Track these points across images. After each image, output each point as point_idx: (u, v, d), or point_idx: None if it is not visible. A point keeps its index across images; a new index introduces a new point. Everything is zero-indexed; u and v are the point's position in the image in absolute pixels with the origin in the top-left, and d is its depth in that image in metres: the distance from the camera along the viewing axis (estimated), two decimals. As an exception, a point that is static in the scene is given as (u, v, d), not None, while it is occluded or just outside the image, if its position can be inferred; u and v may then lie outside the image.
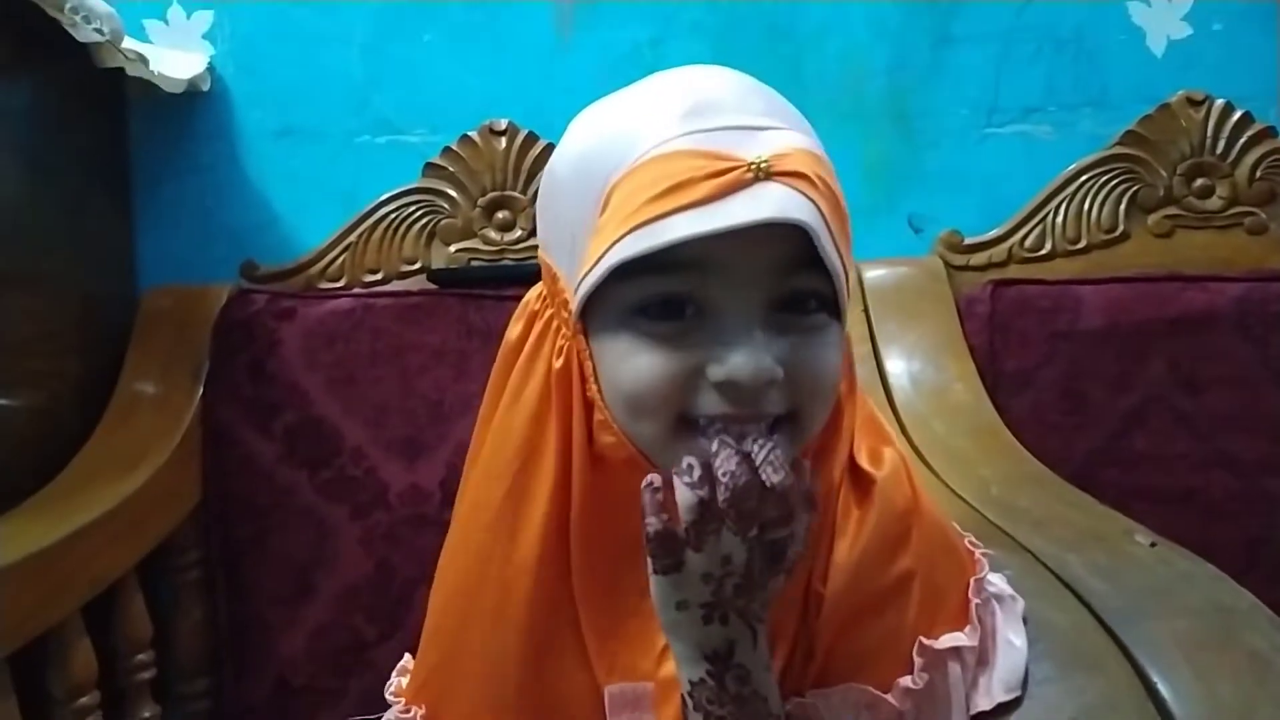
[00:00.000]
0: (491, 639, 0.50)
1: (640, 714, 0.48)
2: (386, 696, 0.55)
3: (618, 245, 0.42)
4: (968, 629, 0.49)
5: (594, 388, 0.46)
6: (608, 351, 0.45)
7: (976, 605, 0.50)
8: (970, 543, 0.54)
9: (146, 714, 0.86)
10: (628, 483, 0.46)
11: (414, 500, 0.93)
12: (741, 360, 0.42)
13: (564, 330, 0.47)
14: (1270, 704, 0.45)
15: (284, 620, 0.92)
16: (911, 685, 0.48)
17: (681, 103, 0.44)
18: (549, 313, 0.48)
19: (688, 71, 0.47)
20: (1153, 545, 0.61)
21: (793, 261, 0.43)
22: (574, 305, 0.45)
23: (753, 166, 0.41)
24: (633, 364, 0.44)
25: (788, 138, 0.43)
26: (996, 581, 0.52)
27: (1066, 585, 0.55)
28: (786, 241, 0.42)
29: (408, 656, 0.56)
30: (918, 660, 0.48)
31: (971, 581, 0.51)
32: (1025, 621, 0.51)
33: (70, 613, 0.75)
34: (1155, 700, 0.46)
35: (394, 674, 0.56)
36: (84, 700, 0.77)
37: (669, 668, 0.47)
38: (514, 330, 0.50)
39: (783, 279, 0.43)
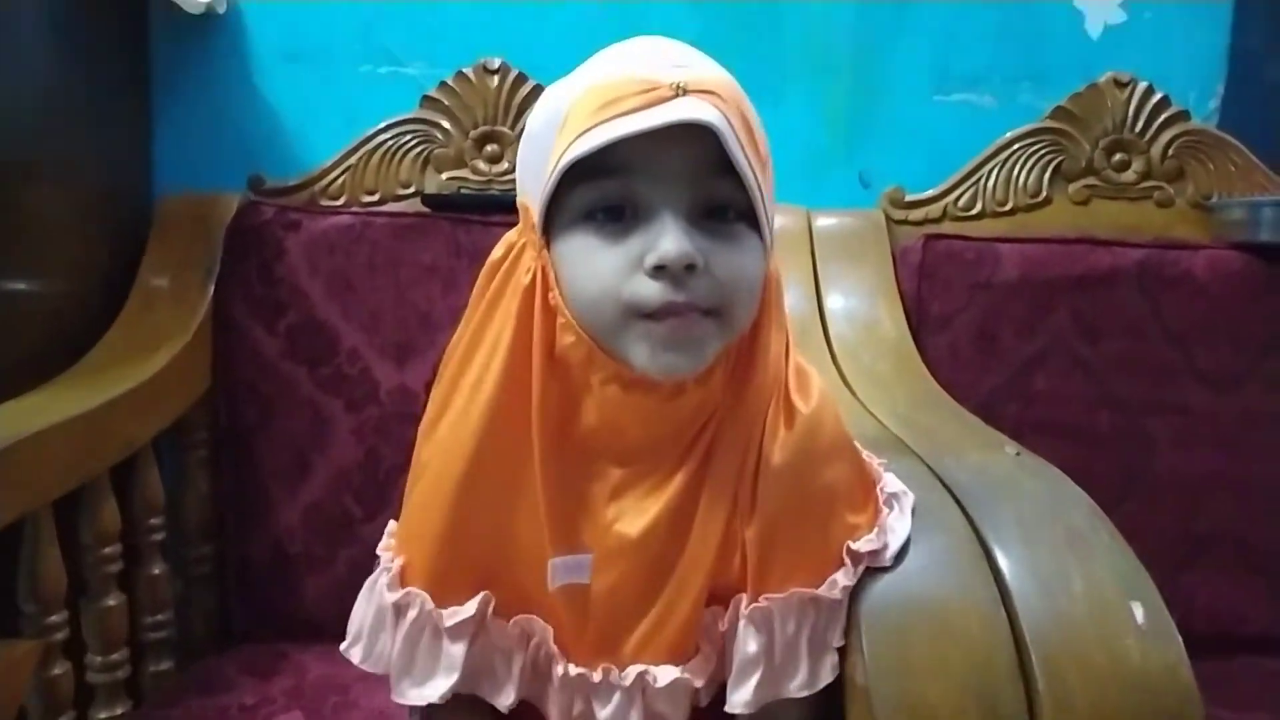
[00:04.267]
0: (458, 505, 0.59)
1: (579, 577, 0.58)
2: (378, 552, 0.64)
3: (566, 152, 0.53)
4: (876, 532, 0.60)
5: (556, 294, 0.56)
6: (566, 255, 0.56)
7: (885, 514, 0.61)
8: (867, 456, 0.65)
9: (157, 570, 0.98)
10: (581, 384, 0.57)
11: (402, 398, 1.05)
12: (667, 244, 0.52)
13: (532, 253, 0.57)
14: (1077, 562, 0.58)
15: (283, 494, 1.03)
16: (848, 582, 0.58)
17: (622, 52, 0.56)
18: (522, 241, 0.59)
19: (636, 39, 0.57)
20: (1017, 454, 0.74)
21: (709, 166, 0.53)
22: (536, 215, 0.56)
23: (673, 86, 0.52)
24: (585, 260, 0.55)
25: (710, 72, 0.54)
26: (892, 482, 0.64)
27: (939, 479, 0.68)
28: (702, 148, 0.52)
29: (393, 523, 0.65)
30: (848, 560, 0.58)
31: (879, 491, 0.62)
32: (914, 512, 0.62)
33: (102, 470, 0.86)
34: (989, 558, 0.59)
35: (385, 535, 0.65)
36: (108, 550, 0.89)
37: (611, 540, 0.58)
38: (495, 254, 0.60)
39: (702, 181, 0.54)
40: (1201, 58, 1.26)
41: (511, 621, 0.60)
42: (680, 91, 0.52)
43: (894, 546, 0.59)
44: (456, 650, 0.58)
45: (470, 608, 0.59)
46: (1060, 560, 0.59)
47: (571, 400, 0.58)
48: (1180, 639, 0.55)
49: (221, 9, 1.15)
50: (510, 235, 0.60)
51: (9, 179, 0.91)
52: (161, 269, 1.07)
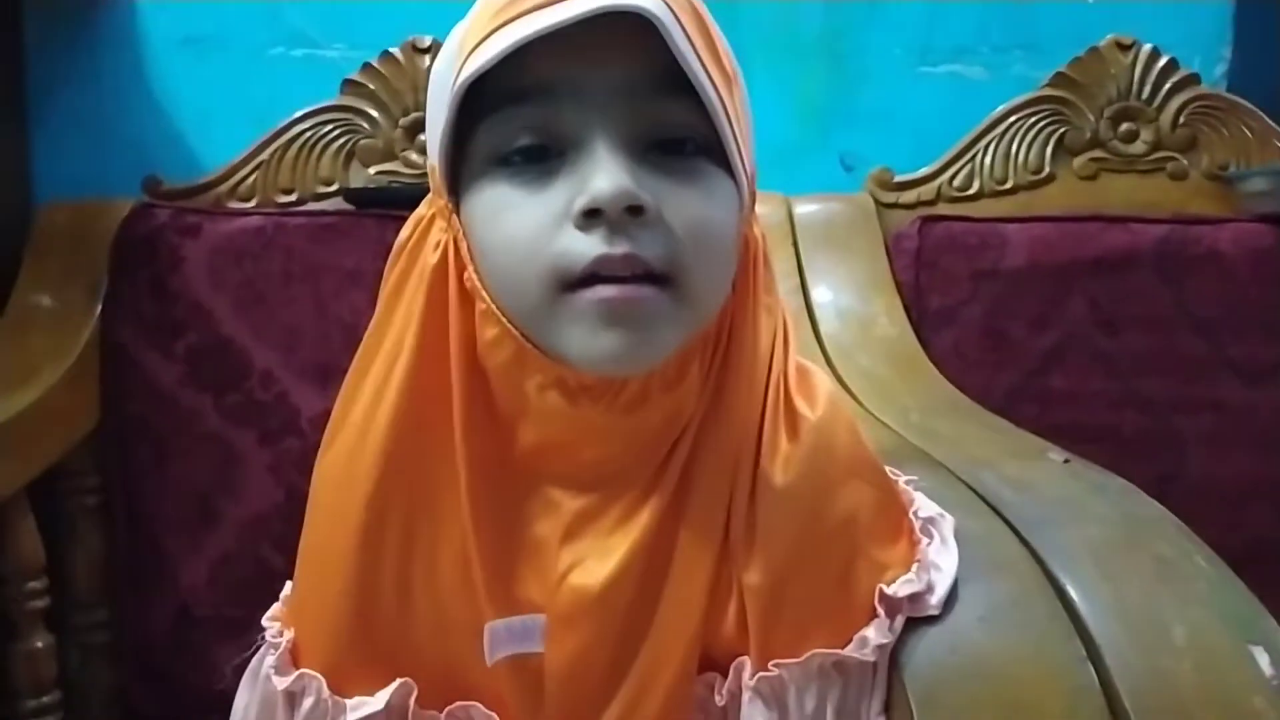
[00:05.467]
0: (360, 559, 0.45)
1: (527, 645, 0.45)
2: (264, 623, 0.50)
3: (462, 70, 0.40)
4: (915, 570, 0.46)
5: (471, 273, 0.43)
6: (478, 217, 0.42)
7: (924, 545, 0.47)
8: (892, 472, 0.51)
9: (39, 643, 0.82)
10: (514, 392, 0.44)
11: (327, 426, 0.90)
12: (600, 180, 0.39)
13: (441, 223, 0.44)
14: (1174, 601, 0.45)
15: (186, 548, 0.88)
16: (883, 639, 0.44)
17: None
18: (431, 212, 0.45)
19: None
20: (1066, 462, 0.61)
21: (654, 83, 0.40)
22: (437, 165, 0.43)
23: None
24: (499, 218, 0.42)
25: None
26: (925, 504, 0.50)
27: (981, 497, 0.55)
28: (644, 59, 0.40)
29: (289, 584, 0.51)
30: (881, 610, 0.45)
31: (913, 518, 0.48)
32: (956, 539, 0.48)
33: (-49, 530, 0.71)
34: (1064, 600, 0.46)
35: (280, 599, 0.51)
36: (-32, 625, 0.73)
37: (567, 595, 0.44)
38: (402, 234, 0.47)
39: (646, 104, 0.41)
40: (1205, 20, 1.16)
41: (445, 713, 0.46)
42: None
43: (941, 589, 0.46)
44: None
45: (380, 699, 0.44)
46: (1152, 600, 0.46)
47: (504, 414, 0.45)
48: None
49: (106, -11, 1.00)
50: (420, 209, 0.47)
51: None
52: (39, 287, 0.91)
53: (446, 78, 0.42)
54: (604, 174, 0.39)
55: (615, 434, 0.44)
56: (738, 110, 0.43)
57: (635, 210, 0.39)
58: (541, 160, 0.41)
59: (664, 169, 0.41)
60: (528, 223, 0.41)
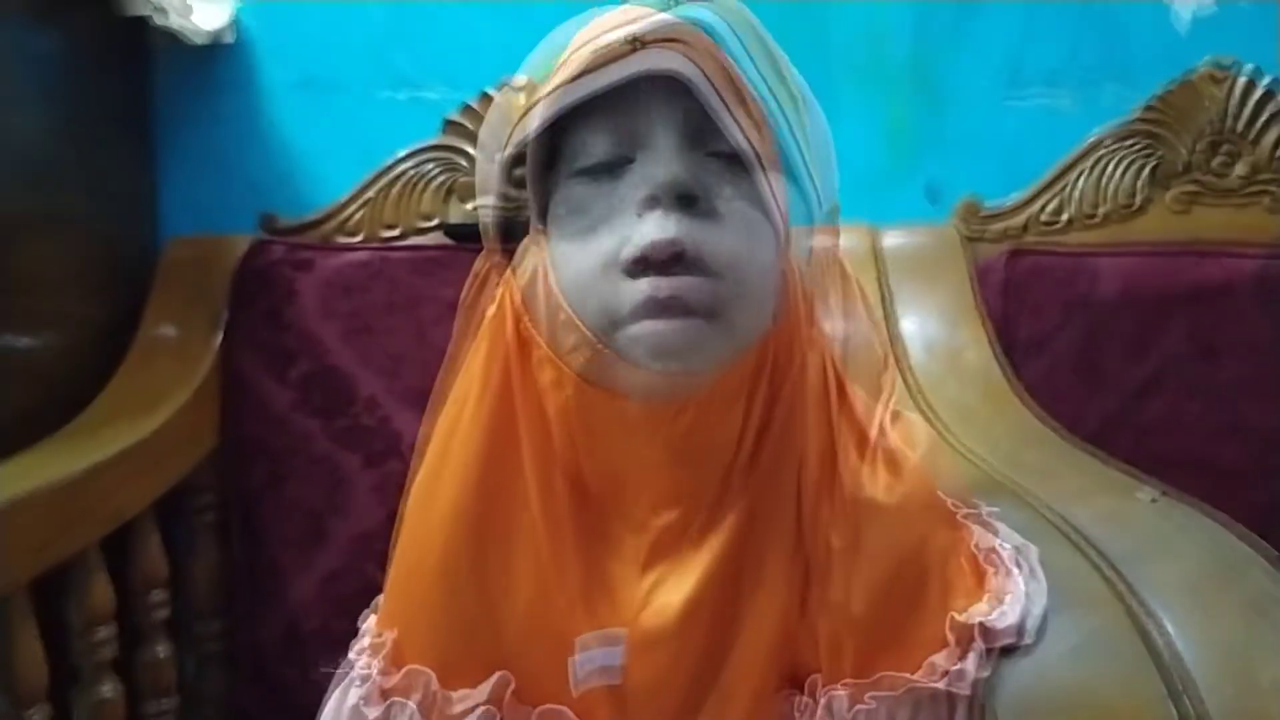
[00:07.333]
0: (446, 578, 0.49)
1: (609, 678, 0.46)
2: (358, 646, 0.53)
3: (512, 136, 0.46)
4: (1008, 599, 0.48)
5: (527, 323, 0.46)
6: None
7: (1015, 575, 0.49)
8: (976, 504, 0.53)
9: (161, 652, 0.88)
10: (576, 432, 0.47)
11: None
12: (647, 229, 0.43)
13: (495, 277, 0.49)
14: (1266, 641, 0.45)
15: (297, 565, 0.93)
16: (981, 674, 0.46)
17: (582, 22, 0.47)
18: (486, 266, 0.50)
19: None
20: (1154, 500, 0.61)
21: (695, 133, 0.44)
22: (491, 223, 0.50)
23: (629, 40, 0.43)
24: (562, 264, 0.45)
25: (683, 14, 0.44)
26: (1008, 533, 0.52)
27: (1071, 530, 0.56)
28: (682, 114, 0.44)
29: (379, 598, 0.55)
30: (979, 640, 0.46)
31: (1000, 548, 0.50)
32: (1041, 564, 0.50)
33: (89, 544, 0.76)
34: (1153, 635, 0.46)
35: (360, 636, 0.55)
36: (101, 632, 0.78)
37: (649, 620, 0.46)
38: (462, 295, 0.51)
39: (687, 153, 0.44)
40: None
41: (537, 713, 0.48)
42: (639, 45, 0.43)
43: (1033, 619, 0.47)
44: None
45: (483, 691, 0.47)
46: (1244, 639, 0.46)
47: (571, 452, 0.47)
48: None
49: (229, 38, 1.07)
50: (476, 263, 0.51)
51: (-3, 235, 0.83)
52: (165, 318, 0.98)
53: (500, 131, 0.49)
54: (653, 222, 0.43)
55: (675, 462, 0.46)
56: (770, 155, 0.45)
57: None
58: (610, 171, 0.45)
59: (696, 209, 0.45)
60: (582, 264, 0.45)
